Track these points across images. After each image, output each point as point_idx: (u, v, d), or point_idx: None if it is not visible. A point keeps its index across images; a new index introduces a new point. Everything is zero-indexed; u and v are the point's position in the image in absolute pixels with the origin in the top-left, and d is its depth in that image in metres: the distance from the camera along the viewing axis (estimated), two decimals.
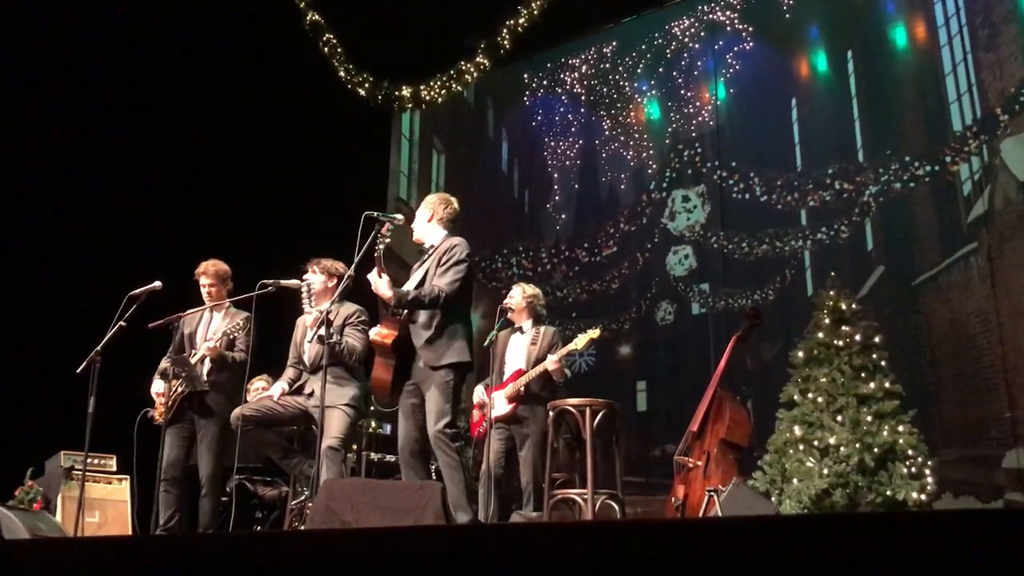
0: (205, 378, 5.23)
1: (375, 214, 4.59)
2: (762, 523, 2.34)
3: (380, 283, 4.26)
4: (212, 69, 8.36)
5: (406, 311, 4.35)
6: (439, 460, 4.28)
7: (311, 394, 4.90)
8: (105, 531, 6.04)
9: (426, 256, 4.55)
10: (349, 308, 5.09)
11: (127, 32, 8.07)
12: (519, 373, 5.55)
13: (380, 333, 4.39)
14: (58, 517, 5.80)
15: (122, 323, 5.06)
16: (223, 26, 8.26)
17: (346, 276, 4.82)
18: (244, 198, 8.38)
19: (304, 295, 4.92)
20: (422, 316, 4.36)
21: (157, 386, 5.27)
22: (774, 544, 1.88)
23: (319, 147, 8.67)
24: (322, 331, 4.67)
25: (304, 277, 5.07)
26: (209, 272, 5.43)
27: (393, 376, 4.37)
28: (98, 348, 5.04)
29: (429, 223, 4.64)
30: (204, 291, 5.44)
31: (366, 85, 9.29)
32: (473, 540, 2.42)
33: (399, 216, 4.66)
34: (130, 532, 6.05)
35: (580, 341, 5.44)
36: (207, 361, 5.21)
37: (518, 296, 5.72)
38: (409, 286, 4.44)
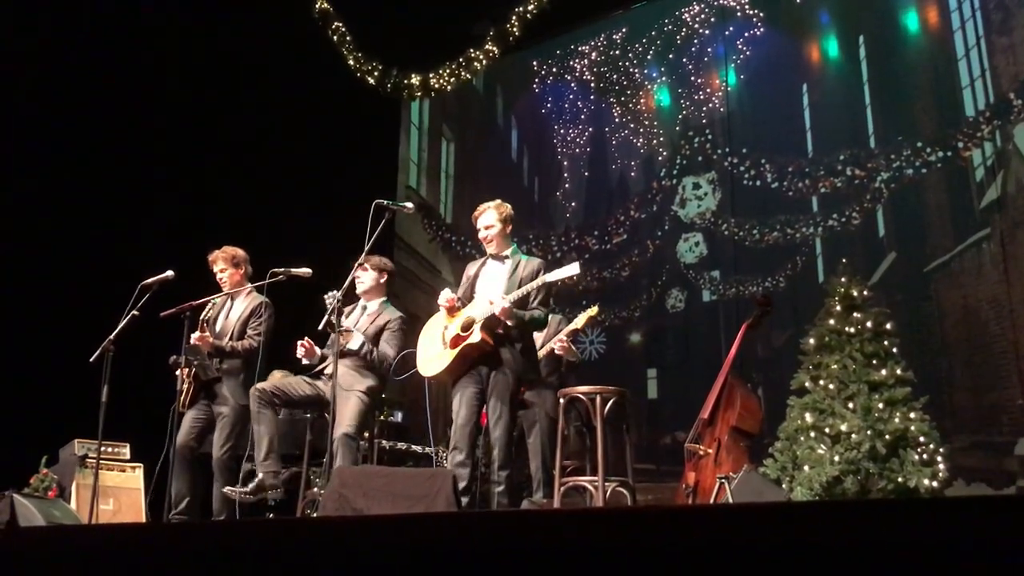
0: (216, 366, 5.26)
1: (385, 203, 4.63)
2: (773, 510, 2.34)
3: (504, 302, 4.49)
4: (222, 58, 8.37)
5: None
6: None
7: (330, 376, 4.93)
8: (119, 518, 6.09)
9: (510, 266, 4.73)
10: (392, 313, 5.19)
11: (137, 19, 8.08)
12: None
13: (489, 335, 4.54)
14: (72, 505, 5.85)
15: (135, 312, 5.09)
16: (232, 14, 8.26)
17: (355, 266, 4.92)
18: (255, 187, 8.41)
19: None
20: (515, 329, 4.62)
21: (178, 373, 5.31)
22: (785, 531, 1.89)
23: (329, 136, 8.68)
24: (342, 321, 4.78)
25: (355, 276, 5.10)
26: (219, 258, 5.45)
27: (470, 366, 4.61)
28: (111, 337, 5.08)
29: (508, 233, 4.85)
30: (218, 278, 5.47)
31: (375, 73, 9.29)
32: (484, 527, 2.43)
33: (409, 204, 4.74)
34: (144, 519, 6.10)
35: (580, 320, 5.51)
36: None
37: None
38: (499, 290, 4.63)
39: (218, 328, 5.38)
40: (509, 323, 4.52)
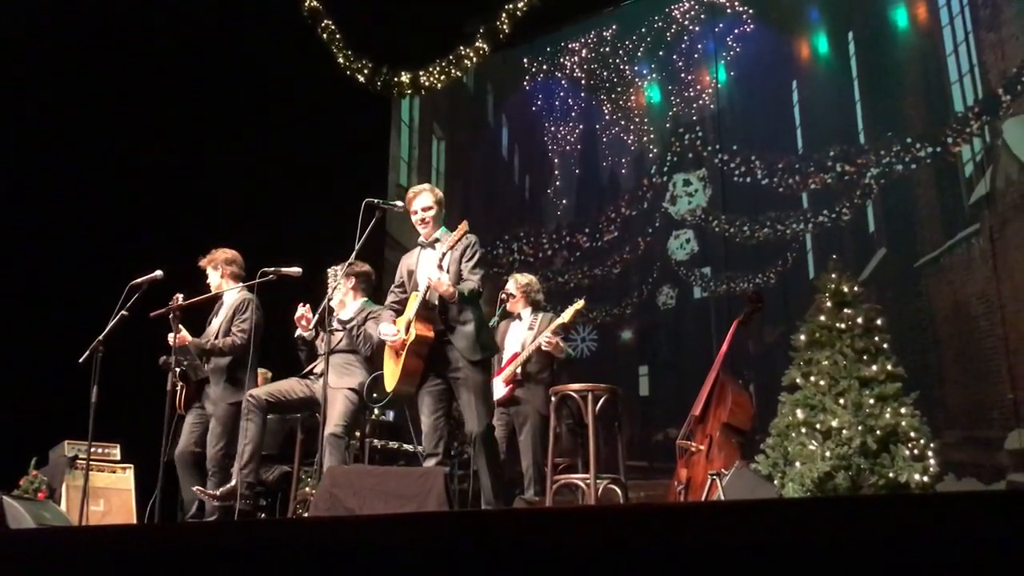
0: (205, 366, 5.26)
1: (375, 201, 4.63)
2: (764, 506, 2.35)
3: (444, 277, 4.30)
4: (212, 56, 8.34)
5: (436, 308, 4.37)
6: (482, 456, 4.36)
7: (319, 376, 4.93)
8: (109, 520, 6.07)
9: (438, 249, 4.49)
10: (373, 306, 5.24)
11: (128, 19, 8.04)
12: (516, 356, 5.57)
13: (426, 327, 4.36)
14: (62, 506, 5.83)
15: (124, 312, 5.07)
16: (222, 12, 8.23)
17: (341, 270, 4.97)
18: (245, 186, 8.38)
19: (331, 285, 5.00)
20: (452, 311, 4.40)
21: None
22: (777, 527, 1.89)
23: (319, 134, 8.66)
24: (334, 322, 4.79)
25: (329, 281, 5.13)
26: (205, 261, 5.47)
27: (424, 368, 4.41)
28: (100, 337, 5.05)
29: (441, 216, 4.66)
30: (208, 279, 5.48)
31: (365, 71, 9.27)
32: (476, 526, 2.42)
33: (399, 203, 4.69)
34: (134, 521, 6.08)
35: (567, 314, 5.48)
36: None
37: (512, 287, 5.77)
38: (427, 274, 4.41)
39: (211, 327, 5.40)
40: (446, 294, 4.27)
